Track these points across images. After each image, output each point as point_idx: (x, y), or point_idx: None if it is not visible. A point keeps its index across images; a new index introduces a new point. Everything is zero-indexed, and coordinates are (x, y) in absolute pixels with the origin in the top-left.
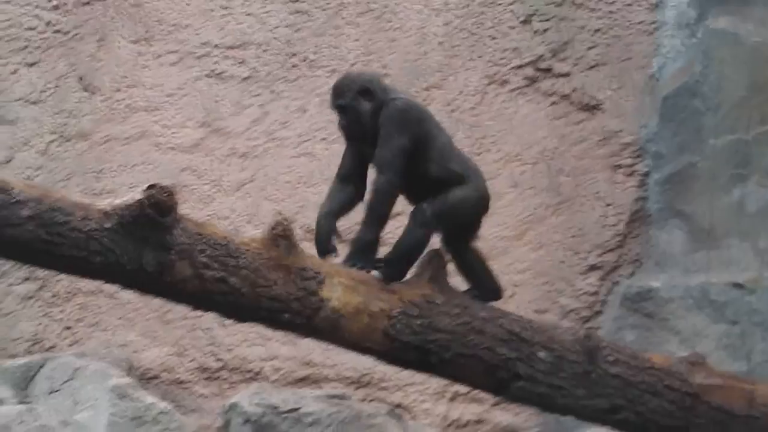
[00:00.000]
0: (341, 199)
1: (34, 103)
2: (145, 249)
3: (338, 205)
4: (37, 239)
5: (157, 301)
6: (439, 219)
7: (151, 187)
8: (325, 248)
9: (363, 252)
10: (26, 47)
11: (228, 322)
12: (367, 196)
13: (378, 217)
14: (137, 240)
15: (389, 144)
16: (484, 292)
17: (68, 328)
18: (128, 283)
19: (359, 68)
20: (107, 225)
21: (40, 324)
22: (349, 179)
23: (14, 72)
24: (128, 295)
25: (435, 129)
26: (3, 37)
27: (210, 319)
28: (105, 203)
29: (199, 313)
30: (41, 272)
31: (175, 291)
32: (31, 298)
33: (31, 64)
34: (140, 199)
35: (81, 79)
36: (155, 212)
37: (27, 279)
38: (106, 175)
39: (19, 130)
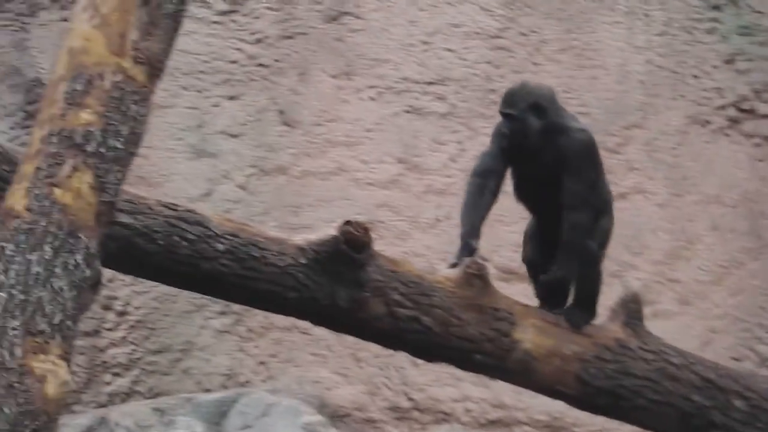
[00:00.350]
0: (482, 207)
1: (234, 136)
2: (339, 285)
3: (479, 216)
4: (232, 273)
5: (350, 339)
6: (602, 251)
7: (346, 223)
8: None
9: (559, 290)
10: (228, 80)
11: (420, 361)
12: (565, 232)
13: (576, 254)
14: (331, 276)
15: (583, 178)
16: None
17: (262, 363)
18: (321, 319)
19: (536, 81)
20: (302, 260)
21: (234, 359)
22: (490, 178)
23: (216, 105)
24: (322, 332)
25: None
26: (206, 70)
27: (402, 358)
28: (300, 238)
29: (391, 351)
30: (237, 307)
31: (368, 328)
32: (226, 332)
33: (233, 98)
34: (335, 235)
35: (281, 112)
36: (350, 248)
37: (223, 313)
38: (303, 210)
39: (219, 163)
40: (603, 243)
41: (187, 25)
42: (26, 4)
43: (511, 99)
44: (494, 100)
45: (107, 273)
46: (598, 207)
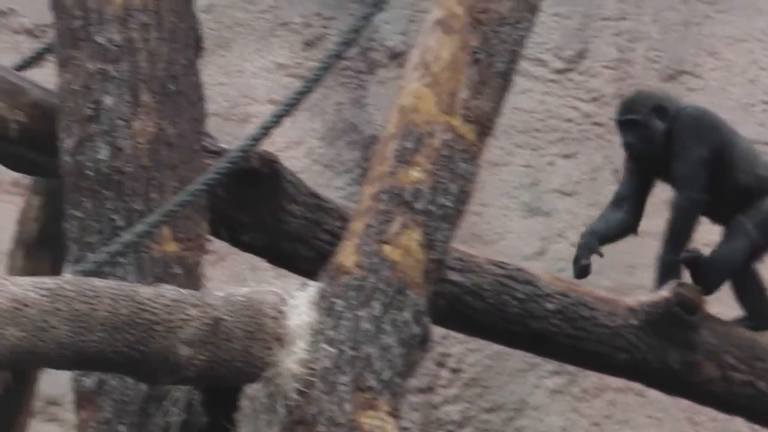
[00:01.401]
0: (612, 221)
1: (568, 194)
2: (670, 347)
3: (606, 226)
4: (561, 333)
5: (685, 402)
6: (761, 231)
7: (679, 284)
8: (579, 267)
9: (668, 274)
10: (563, 138)
11: (758, 426)
12: (669, 215)
13: (680, 236)
14: (662, 338)
15: (686, 157)
16: (757, 320)
17: (596, 424)
18: (652, 381)
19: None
20: (633, 321)
21: (568, 419)
22: (625, 204)
23: (551, 163)
24: (657, 394)
25: (732, 134)
26: (541, 128)
27: (740, 423)
28: (631, 299)
29: (728, 416)
30: (570, 366)
31: (701, 392)
32: (559, 392)
33: (568, 156)
34: (667, 297)
35: (616, 171)
36: (682, 310)
37: (556, 373)
38: (638, 270)
39: (553, 222)
40: (765, 223)
41: (522, 83)
42: (365, 62)
43: (630, 106)
44: None
45: (441, 330)
46: (749, 184)
